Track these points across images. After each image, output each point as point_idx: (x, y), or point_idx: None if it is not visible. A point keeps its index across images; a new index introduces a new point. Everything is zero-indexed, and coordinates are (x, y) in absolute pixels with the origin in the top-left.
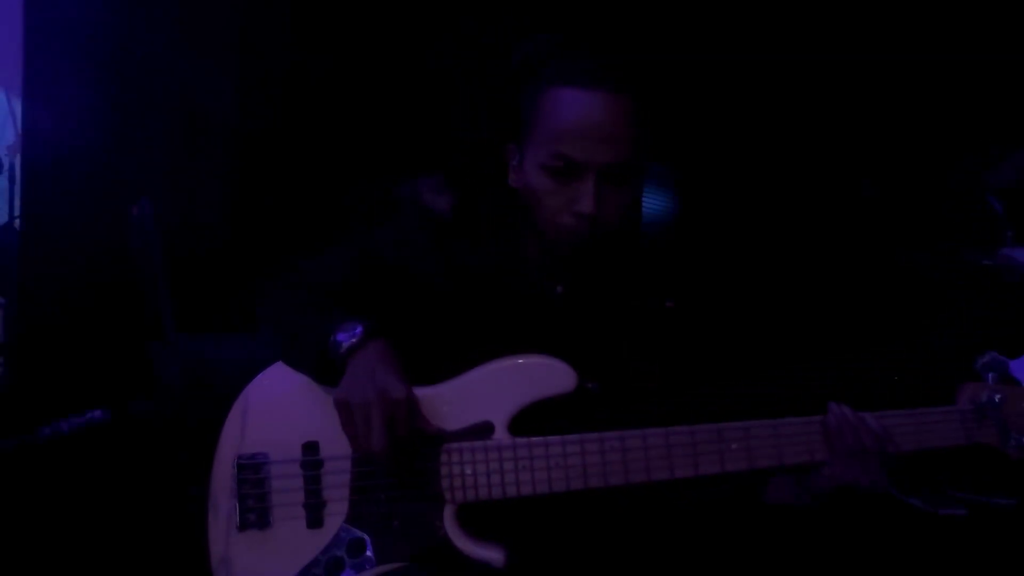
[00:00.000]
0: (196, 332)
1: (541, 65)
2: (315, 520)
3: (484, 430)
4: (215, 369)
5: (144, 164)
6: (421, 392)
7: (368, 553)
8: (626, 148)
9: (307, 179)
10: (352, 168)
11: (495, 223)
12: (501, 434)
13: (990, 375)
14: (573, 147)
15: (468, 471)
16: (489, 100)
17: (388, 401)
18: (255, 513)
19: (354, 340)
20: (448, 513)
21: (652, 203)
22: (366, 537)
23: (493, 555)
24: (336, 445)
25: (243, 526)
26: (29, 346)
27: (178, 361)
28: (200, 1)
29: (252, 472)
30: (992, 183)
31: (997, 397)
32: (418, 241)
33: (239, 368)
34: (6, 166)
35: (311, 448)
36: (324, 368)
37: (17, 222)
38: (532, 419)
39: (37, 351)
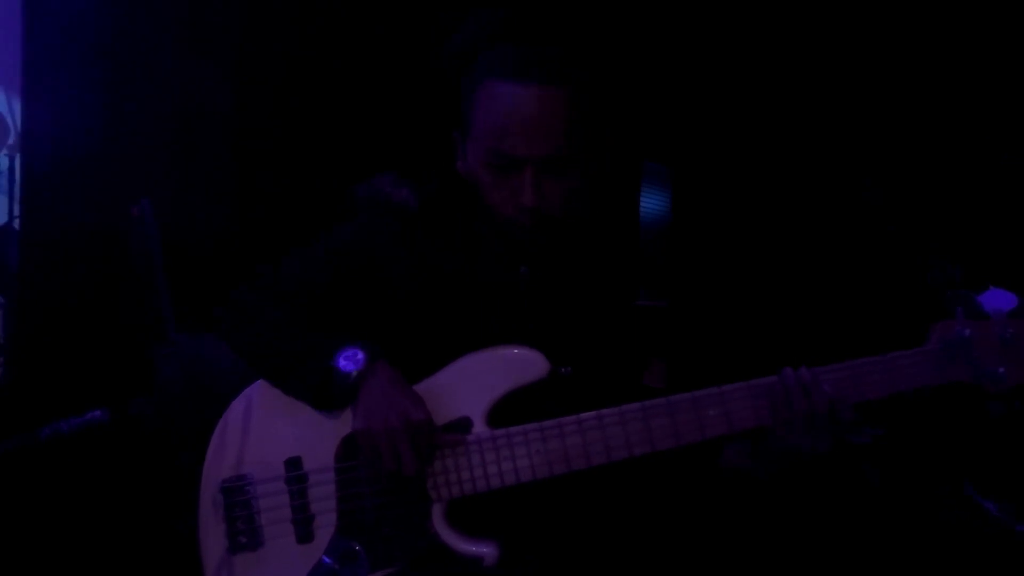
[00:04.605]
0: (196, 332)
1: (476, 52)
2: (305, 535)
3: (462, 426)
4: (215, 369)
5: (144, 164)
6: None
7: (362, 562)
8: (561, 139)
9: (307, 178)
10: (352, 167)
11: (454, 210)
12: (480, 427)
13: (959, 310)
14: (507, 142)
15: (451, 468)
16: (433, 87)
17: (412, 425)
18: (245, 535)
19: (361, 368)
20: (436, 512)
21: (650, 202)
22: (358, 546)
23: (485, 550)
24: (318, 458)
25: (234, 549)
26: (29, 346)
27: (178, 361)
28: (199, 1)
29: (238, 494)
30: None
31: (967, 332)
32: (385, 235)
33: (239, 368)
34: (6, 166)
35: (294, 463)
36: (326, 397)
37: (17, 222)
38: (510, 408)
39: (37, 351)
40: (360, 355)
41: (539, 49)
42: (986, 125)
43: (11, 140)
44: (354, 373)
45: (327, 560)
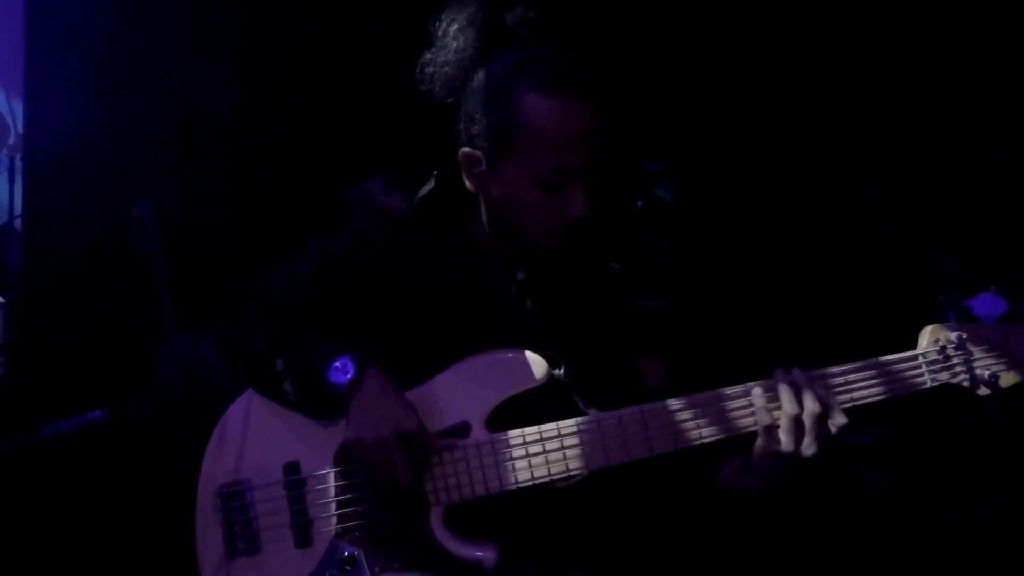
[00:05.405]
0: (196, 332)
1: (513, 78)
2: (304, 540)
3: (461, 430)
4: (215, 370)
5: (144, 164)
6: None
7: (360, 566)
8: (602, 147)
9: (307, 179)
10: (352, 168)
11: (451, 213)
12: (479, 432)
13: (950, 314)
14: (570, 157)
15: (450, 472)
16: (449, 104)
17: (403, 434)
18: (243, 540)
19: (350, 378)
20: (435, 516)
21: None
22: (357, 550)
23: (485, 554)
24: (317, 462)
25: (232, 554)
26: (29, 346)
27: (178, 361)
28: (200, 1)
29: (236, 499)
30: None
31: (958, 336)
32: (379, 241)
33: None
34: (6, 166)
35: (292, 468)
36: (319, 409)
37: (18, 222)
38: (509, 412)
39: (37, 351)
40: (350, 366)
41: (568, 58)
42: (986, 125)
43: (11, 140)
44: (344, 385)
45: (326, 565)
